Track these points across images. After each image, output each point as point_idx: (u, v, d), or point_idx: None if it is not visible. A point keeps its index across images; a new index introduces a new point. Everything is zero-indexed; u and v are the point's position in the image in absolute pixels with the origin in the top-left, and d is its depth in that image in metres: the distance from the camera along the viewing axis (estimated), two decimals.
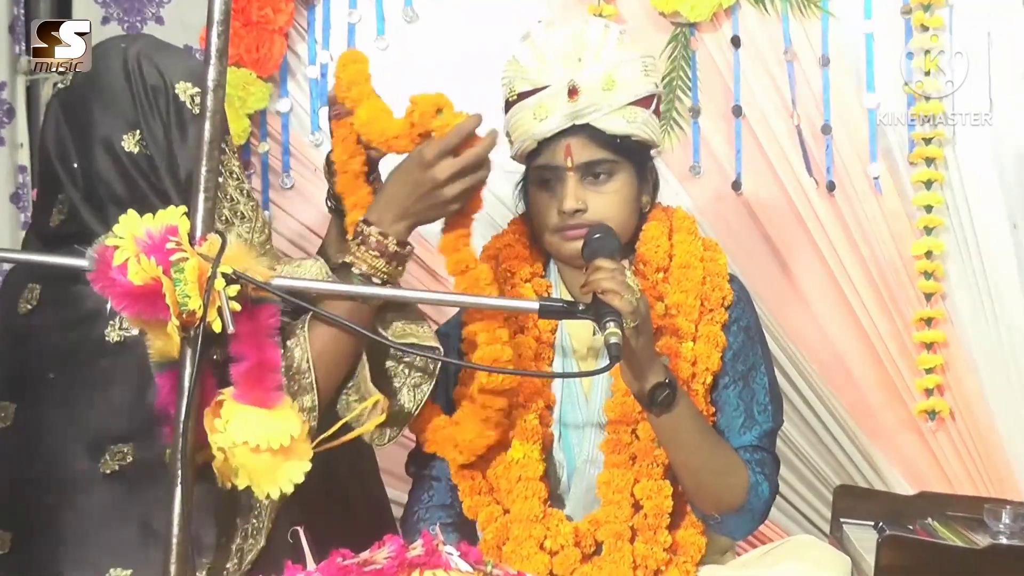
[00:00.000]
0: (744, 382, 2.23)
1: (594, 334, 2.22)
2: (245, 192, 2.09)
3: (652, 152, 2.29)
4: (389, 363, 2.11)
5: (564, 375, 2.27)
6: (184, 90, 2.05)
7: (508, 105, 2.23)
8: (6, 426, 2.04)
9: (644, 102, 2.18)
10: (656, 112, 2.23)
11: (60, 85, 2.12)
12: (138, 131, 2.03)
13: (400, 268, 2.05)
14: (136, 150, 2.02)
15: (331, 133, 2.23)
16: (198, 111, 1.96)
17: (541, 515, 2.17)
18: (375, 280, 2.02)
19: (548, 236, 2.24)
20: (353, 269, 2.02)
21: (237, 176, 2.08)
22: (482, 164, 2.02)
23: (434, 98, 2.01)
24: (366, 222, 2.04)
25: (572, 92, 2.14)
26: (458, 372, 2.28)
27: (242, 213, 2.07)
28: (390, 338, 2.06)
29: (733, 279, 2.29)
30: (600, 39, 2.18)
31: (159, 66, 2.06)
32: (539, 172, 2.23)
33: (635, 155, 2.22)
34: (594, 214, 2.17)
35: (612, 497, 2.16)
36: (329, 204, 2.31)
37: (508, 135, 2.23)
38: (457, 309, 2.37)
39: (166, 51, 2.13)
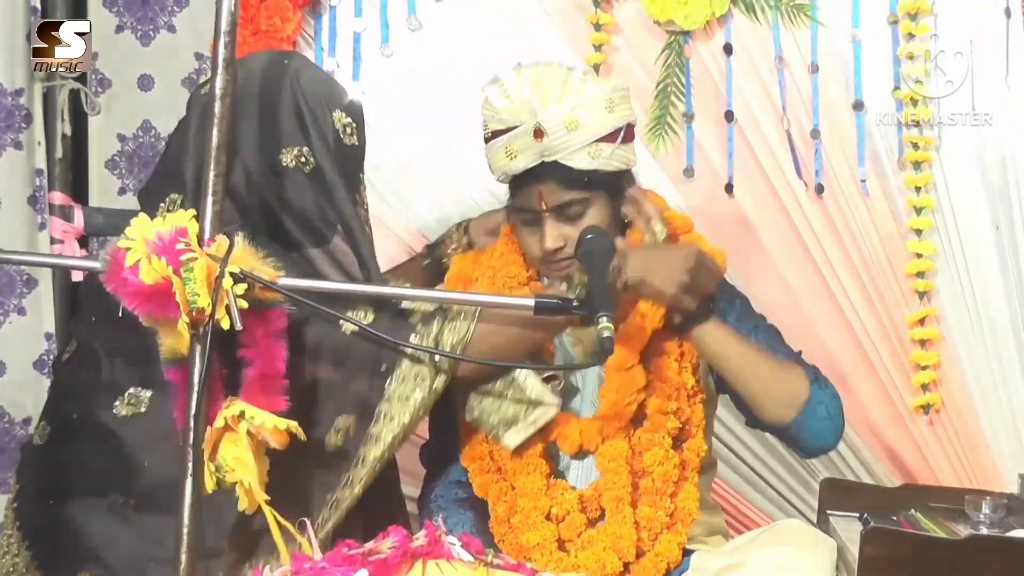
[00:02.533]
0: (757, 330, 2.39)
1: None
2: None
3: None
4: None
5: (561, 368, 2.34)
6: (339, 118, 2.14)
7: (485, 140, 2.34)
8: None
9: (609, 137, 2.27)
10: (627, 140, 2.32)
11: (204, 91, 2.09)
12: (296, 149, 2.08)
13: None
14: (293, 165, 2.07)
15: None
16: (348, 141, 2.12)
17: (545, 487, 2.28)
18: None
19: (537, 266, 2.39)
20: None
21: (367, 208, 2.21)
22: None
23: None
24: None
25: (538, 133, 2.24)
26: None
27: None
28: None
29: None
30: (561, 83, 2.27)
31: (322, 92, 2.12)
32: (519, 213, 2.36)
33: (607, 184, 2.31)
34: (573, 246, 2.25)
35: (609, 466, 2.27)
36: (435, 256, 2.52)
37: (489, 166, 2.35)
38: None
39: (324, 77, 2.21)
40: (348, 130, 2.15)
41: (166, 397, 1.97)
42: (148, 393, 2.04)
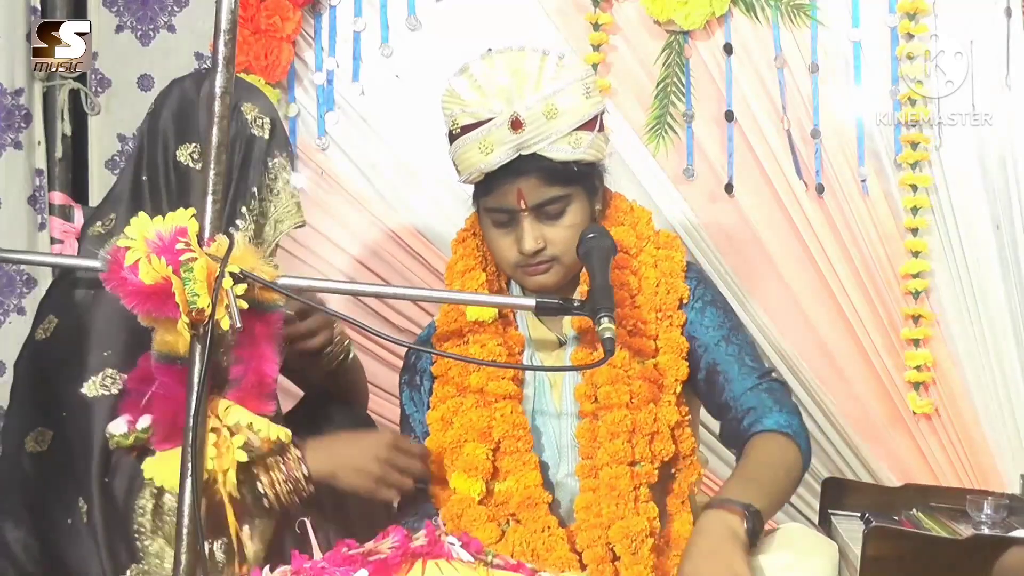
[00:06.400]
0: (727, 341, 2.27)
1: (559, 345, 2.29)
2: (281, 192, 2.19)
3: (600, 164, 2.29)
4: None
5: (557, 369, 2.28)
6: (248, 110, 2.15)
7: (452, 137, 2.22)
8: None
9: (588, 125, 2.18)
10: (600, 129, 2.21)
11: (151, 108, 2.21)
12: (192, 145, 2.10)
13: (295, 502, 2.05)
14: (187, 163, 2.10)
15: None
16: (257, 132, 2.12)
17: (497, 538, 2.18)
18: (264, 503, 2.03)
19: (510, 271, 2.27)
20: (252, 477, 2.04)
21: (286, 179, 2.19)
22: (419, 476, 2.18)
23: None
24: (296, 445, 2.06)
25: (516, 124, 2.13)
26: (430, 396, 2.33)
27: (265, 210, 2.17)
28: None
29: (688, 266, 2.32)
30: (538, 69, 2.16)
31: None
32: (493, 214, 2.23)
33: (584, 178, 2.22)
34: (553, 248, 2.20)
35: (592, 522, 2.17)
36: None
37: (455, 164, 2.25)
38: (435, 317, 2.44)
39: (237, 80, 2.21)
40: (258, 121, 2.16)
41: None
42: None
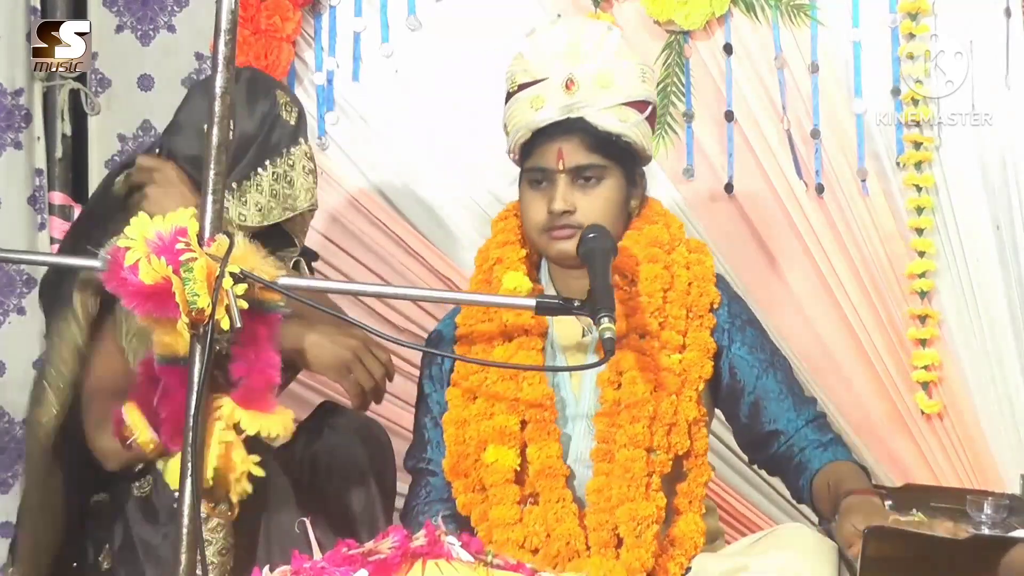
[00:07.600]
0: (773, 368, 2.32)
1: (583, 336, 2.29)
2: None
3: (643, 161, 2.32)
4: None
5: (559, 369, 2.29)
6: (280, 96, 2.39)
7: (508, 96, 2.28)
8: None
9: (639, 105, 2.23)
10: (651, 121, 2.27)
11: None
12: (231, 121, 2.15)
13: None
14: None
15: None
16: (286, 117, 2.38)
17: (517, 518, 2.20)
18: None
19: (536, 235, 2.28)
20: None
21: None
22: (381, 381, 2.26)
23: None
24: None
25: (569, 84, 2.20)
26: (451, 373, 2.32)
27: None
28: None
29: (718, 278, 2.33)
30: (600, 38, 2.25)
31: (265, 76, 2.36)
32: (530, 173, 2.27)
33: (625, 160, 2.26)
34: (582, 216, 2.21)
35: (602, 505, 2.18)
36: None
37: (505, 127, 2.29)
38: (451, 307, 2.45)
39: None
40: (288, 108, 2.39)
41: None
42: None
